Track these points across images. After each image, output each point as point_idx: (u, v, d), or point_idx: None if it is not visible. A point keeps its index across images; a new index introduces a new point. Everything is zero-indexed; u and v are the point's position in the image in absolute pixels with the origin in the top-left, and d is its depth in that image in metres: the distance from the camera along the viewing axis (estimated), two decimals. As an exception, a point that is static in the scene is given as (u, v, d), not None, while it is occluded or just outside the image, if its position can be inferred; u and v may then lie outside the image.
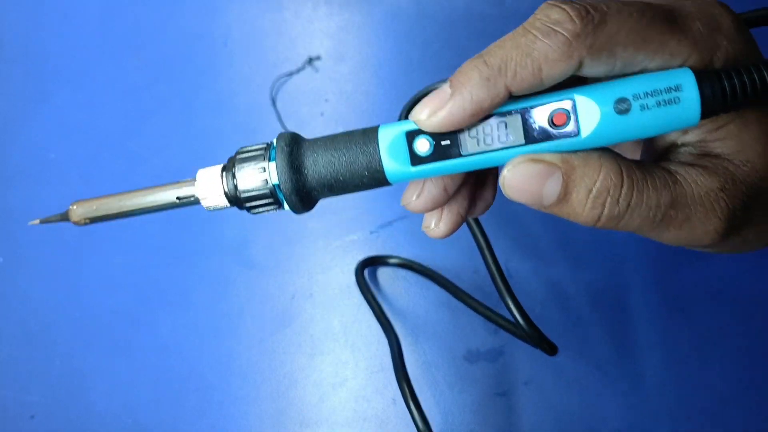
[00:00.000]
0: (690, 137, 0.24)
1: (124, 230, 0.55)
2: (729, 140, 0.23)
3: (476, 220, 0.39)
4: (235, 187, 0.24)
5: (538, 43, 0.21)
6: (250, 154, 0.25)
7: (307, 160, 0.24)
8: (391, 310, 0.50)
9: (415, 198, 0.26)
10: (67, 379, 0.51)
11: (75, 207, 0.26)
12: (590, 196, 0.23)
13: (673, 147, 0.24)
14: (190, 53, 0.59)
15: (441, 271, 0.50)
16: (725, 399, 0.46)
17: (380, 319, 0.47)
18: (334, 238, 0.52)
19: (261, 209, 0.25)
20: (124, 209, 0.26)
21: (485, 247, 0.38)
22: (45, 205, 0.57)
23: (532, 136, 0.23)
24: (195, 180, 0.25)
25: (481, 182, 0.28)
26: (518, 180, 0.23)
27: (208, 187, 0.25)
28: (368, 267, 0.51)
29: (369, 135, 0.24)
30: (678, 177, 0.23)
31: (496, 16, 0.56)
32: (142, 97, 0.58)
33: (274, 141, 0.25)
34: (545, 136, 0.23)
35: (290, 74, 0.57)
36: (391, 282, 0.51)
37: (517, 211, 0.51)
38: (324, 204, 0.55)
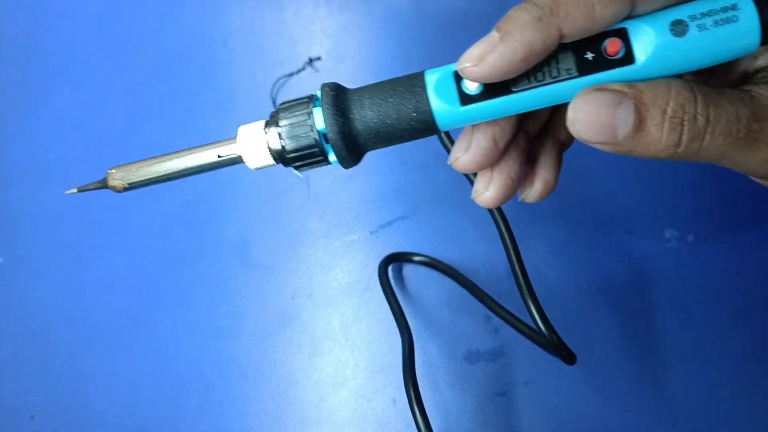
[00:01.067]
0: (762, 61, 0.23)
1: (124, 230, 0.55)
2: None
3: (503, 217, 0.38)
4: (279, 136, 0.23)
5: None
6: (293, 103, 0.24)
7: (353, 104, 0.23)
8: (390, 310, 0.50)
9: (463, 152, 0.24)
10: (68, 379, 0.51)
11: (114, 171, 0.25)
12: (666, 117, 0.21)
13: (745, 77, 0.23)
14: (190, 53, 0.59)
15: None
16: (723, 399, 0.46)
17: (397, 317, 0.45)
18: (334, 238, 0.52)
19: (307, 161, 0.24)
20: (164, 172, 0.25)
21: (511, 247, 0.36)
22: (46, 205, 0.57)
23: (585, 67, 0.22)
24: (236, 138, 0.24)
25: (537, 155, 0.26)
26: (586, 113, 0.21)
27: (251, 141, 0.24)
28: (392, 263, 0.50)
29: (415, 77, 0.23)
30: (753, 93, 0.22)
31: (495, 16, 0.56)
32: (142, 97, 0.59)
33: (318, 91, 0.24)
34: (600, 66, 0.22)
35: (290, 74, 0.57)
36: (392, 281, 0.51)
37: (511, 213, 0.51)
38: (324, 204, 0.55)
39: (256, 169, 0.24)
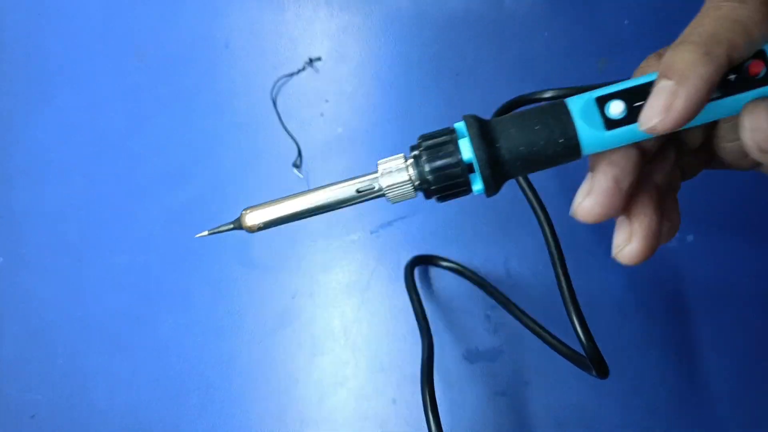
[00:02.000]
0: None
1: (125, 230, 0.55)
2: None
3: (550, 224, 0.37)
4: (423, 169, 0.24)
5: (739, 10, 0.21)
6: (434, 135, 0.24)
7: (498, 133, 0.24)
8: (392, 310, 0.50)
9: (584, 197, 0.24)
10: (69, 378, 0.52)
11: (248, 212, 0.26)
12: None
13: None
14: (191, 54, 0.60)
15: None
16: (723, 398, 0.46)
17: (419, 320, 0.45)
18: (335, 238, 0.53)
19: (449, 191, 0.24)
20: (300, 209, 0.25)
21: (557, 255, 0.36)
22: (47, 205, 0.57)
23: (728, 88, 0.23)
24: (377, 172, 0.24)
25: (663, 197, 0.26)
26: (763, 123, 0.22)
27: (392, 174, 0.24)
28: (419, 265, 0.50)
29: (557, 105, 0.24)
30: None
31: (494, 17, 0.56)
32: (143, 98, 0.59)
33: (457, 124, 0.24)
34: (742, 86, 0.22)
35: (291, 75, 0.57)
36: (391, 281, 0.51)
37: (510, 213, 0.51)
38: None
39: (395, 201, 0.25)
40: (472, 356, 0.48)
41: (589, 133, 0.23)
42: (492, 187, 0.24)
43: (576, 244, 0.49)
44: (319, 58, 0.57)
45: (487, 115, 0.26)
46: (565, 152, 0.24)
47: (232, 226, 0.26)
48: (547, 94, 0.39)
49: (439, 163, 0.23)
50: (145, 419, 0.50)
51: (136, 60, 0.60)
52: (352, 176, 0.25)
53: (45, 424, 0.51)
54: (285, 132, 0.55)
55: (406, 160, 0.24)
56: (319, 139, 0.54)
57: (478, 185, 0.24)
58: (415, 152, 0.24)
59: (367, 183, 0.24)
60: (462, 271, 0.49)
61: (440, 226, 0.52)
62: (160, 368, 0.51)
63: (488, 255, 0.50)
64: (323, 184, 0.25)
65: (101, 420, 0.50)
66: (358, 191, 0.24)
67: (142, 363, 0.51)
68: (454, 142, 0.24)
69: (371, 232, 0.52)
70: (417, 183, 0.24)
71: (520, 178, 0.42)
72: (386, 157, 0.25)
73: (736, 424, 0.45)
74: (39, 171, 0.58)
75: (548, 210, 0.38)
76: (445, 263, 0.50)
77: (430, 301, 0.50)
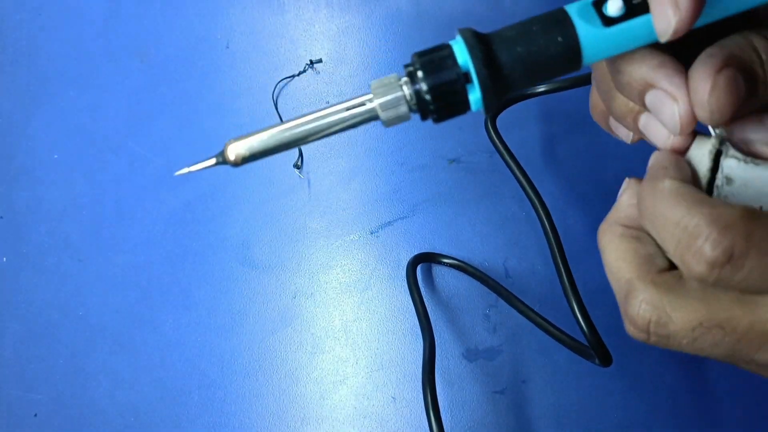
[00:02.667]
0: None
1: (127, 230, 0.55)
2: None
3: (548, 216, 0.37)
4: (419, 85, 0.22)
5: None
6: (430, 51, 0.22)
7: (495, 36, 0.23)
8: (392, 309, 0.50)
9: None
10: (71, 378, 0.52)
11: (232, 143, 0.23)
12: None
13: None
14: (192, 56, 0.60)
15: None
16: (721, 396, 0.46)
17: (421, 319, 0.45)
18: (335, 237, 0.53)
19: (446, 105, 0.22)
20: (288, 136, 0.23)
21: (554, 243, 0.36)
22: (49, 205, 0.57)
23: None
24: (369, 93, 0.23)
25: None
26: None
27: (386, 93, 0.23)
28: (421, 263, 0.50)
29: (554, 10, 0.23)
30: None
31: (494, 17, 0.57)
32: (144, 99, 0.59)
33: (451, 41, 0.23)
34: None
35: (292, 77, 0.58)
36: (392, 280, 0.51)
37: (510, 213, 0.51)
38: (325, 204, 0.55)
39: (389, 123, 0.23)
40: (471, 355, 0.49)
41: (587, 30, 0.22)
42: (491, 94, 0.22)
43: (574, 243, 0.50)
44: (320, 60, 0.58)
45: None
46: (565, 53, 0.22)
47: (215, 160, 0.23)
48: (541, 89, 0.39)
49: (434, 74, 0.22)
50: (147, 418, 0.50)
51: (138, 61, 0.60)
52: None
53: (47, 423, 0.51)
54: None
55: (399, 78, 0.23)
56: (319, 140, 0.55)
57: (476, 94, 0.22)
58: (410, 68, 0.23)
59: (357, 102, 0.23)
60: (465, 268, 0.50)
61: (440, 226, 0.52)
62: (162, 367, 0.51)
63: (487, 254, 0.51)
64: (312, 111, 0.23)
65: (103, 419, 0.50)
66: (348, 111, 0.23)
67: (144, 362, 0.52)
68: (451, 54, 0.22)
69: (371, 232, 0.53)
70: (412, 101, 0.23)
71: (520, 176, 0.42)
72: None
73: (737, 424, 0.46)
74: (40, 171, 0.58)
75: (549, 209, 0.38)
76: (447, 260, 0.50)
77: (430, 300, 0.50)
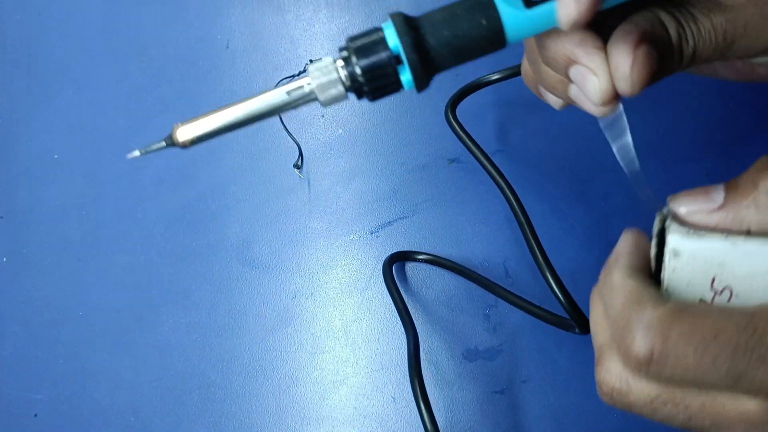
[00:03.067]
0: None
1: (127, 229, 0.56)
2: None
3: (517, 199, 0.39)
4: (352, 68, 0.24)
5: None
6: (361, 32, 0.24)
7: (423, 20, 0.24)
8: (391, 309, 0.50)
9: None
10: (71, 377, 0.52)
11: (180, 125, 0.24)
12: None
13: None
14: (192, 56, 0.60)
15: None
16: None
17: (402, 314, 0.46)
18: (335, 237, 0.53)
19: (379, 84, 0.24)
20: (233, 119, 0.24)
21: (522, 216, 0.38)
22: (49, 204, 0.57)
23: None
24: (307, 76, 0.24)
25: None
26: None
27: (322, 75, 0.24)
28: (396, 262, 0.51)
29: None
30: None
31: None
32: (145, 99, 0.59)
33: (383, 24, 0.24)
34: None
35: (292, 77, 0.58)
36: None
37: (510, 213, 0.51)
38: (325, 204, 0.55)
39: (327, 103, 0.24)
40: (471, 355, 0.49)
41: (509, 12, 0.23)
42: (421, 76, 0.24)
43: (548, 227, 0.50)
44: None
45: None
46: (489, 35, 0.24)
47: (164, 143, 0.25)
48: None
49: (367, 57, 0.23)
50: (147, 418, 0.50)
51: (138, 60, 0.60)
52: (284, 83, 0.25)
53: (47, 423, 0.51)
54: (286, 133, 0.55)
55: (335, 62, 0.24)
56: (319, 140, 0.55)
57: (407, 75, 0.24)
58: (344, 52, 0.24)
59: (297, 86, 0.24)
60: (438, 261, 0.50)
61: (440, 226, 0.52)
62: (162, 367, 0.51)
63: (487, 255, 0.51)
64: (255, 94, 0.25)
65: (103, 419, 0.50)
66: (288, 94, 0.24)
67: (144, 362, 0.52)
68: (381, 37, 0.24)
69: (371, 232, 0.53)
70: (348, 83, 0.24)
71: (488, 166, 0.43)
72: None
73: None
74: (41, 171, 0.58)
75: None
76: (421, 256, 0.50)
77: (429, 301, 0.50)
